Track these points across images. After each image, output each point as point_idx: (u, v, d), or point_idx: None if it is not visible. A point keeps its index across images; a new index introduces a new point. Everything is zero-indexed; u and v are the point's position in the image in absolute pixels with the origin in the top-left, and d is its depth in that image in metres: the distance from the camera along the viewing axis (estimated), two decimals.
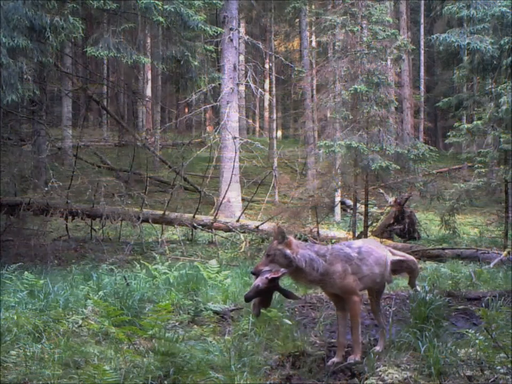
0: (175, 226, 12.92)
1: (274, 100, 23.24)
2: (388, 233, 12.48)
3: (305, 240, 12.32)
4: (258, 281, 4.12)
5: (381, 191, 15.48)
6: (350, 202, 16.83)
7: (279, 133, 31.65)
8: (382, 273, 4.39)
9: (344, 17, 11.36)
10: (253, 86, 17.86)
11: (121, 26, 10.07)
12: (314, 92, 20.21)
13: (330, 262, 4.18)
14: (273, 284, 4.15)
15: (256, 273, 4.18)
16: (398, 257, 4.52)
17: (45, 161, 12.43)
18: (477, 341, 3.97)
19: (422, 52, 25.73)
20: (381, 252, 4.46)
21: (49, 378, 3.76)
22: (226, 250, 12.42)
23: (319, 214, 11.58)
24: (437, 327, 4.33)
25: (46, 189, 11.23)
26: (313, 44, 23.77)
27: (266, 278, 4.10)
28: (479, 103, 13.52)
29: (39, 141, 14.32)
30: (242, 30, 21.50)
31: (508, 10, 11.70)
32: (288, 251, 4.12)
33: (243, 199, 16.35)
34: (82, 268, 8.86)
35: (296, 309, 5.67)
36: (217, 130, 16.83)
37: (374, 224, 12.52)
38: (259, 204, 17.22)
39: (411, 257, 4.68)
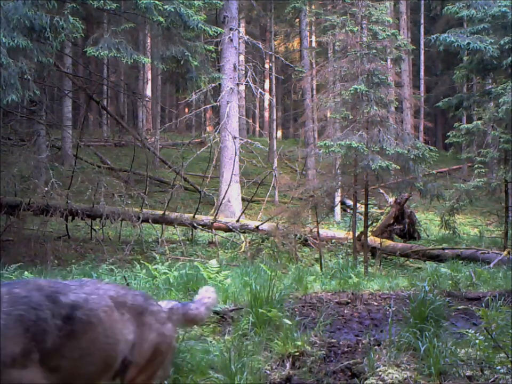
0: (175, 226, 12.92)
1: (274, 100, 23.24)
2: (388, 233, 12.49)
3: (306, 240, 12.41)
4: None
5: (381, 191, 15.49)
6: (350, 202, 16.85)
7: (279, 133, 31.67)
8: None
9: (344, 17, 11.36)
10: (253, 86, 17.86)
11: (121, 26, 10.05)
12: (314, 92, 20.24)
13: None
14: None
15: None
16: None
17: (45, 161, 12.40)
18: (477, 341, 3.97)
19: (422, 51, 25.74)
20: None
21: None
22: (226, 250, 12.43)
23: (319, 214, 11.57)
24: (437, 327, 4.32)
25: (46, 189, 11.20)
26: (313, 44, 23.79)
27: None
28: (479, 103, 13.53)
29: (39, 141, 14.31)
30: (242, 30, 21.48)
31: (508, 10, 11.72)
32: None
33: (243, 199, 16.35)
34: (82, 268, 8.85)
35: (296, 309, 5.66)
36: (217, 130, 16.83)
37: (374, 224, 12.53)
38: (259, 203, 17.23)
39: None
